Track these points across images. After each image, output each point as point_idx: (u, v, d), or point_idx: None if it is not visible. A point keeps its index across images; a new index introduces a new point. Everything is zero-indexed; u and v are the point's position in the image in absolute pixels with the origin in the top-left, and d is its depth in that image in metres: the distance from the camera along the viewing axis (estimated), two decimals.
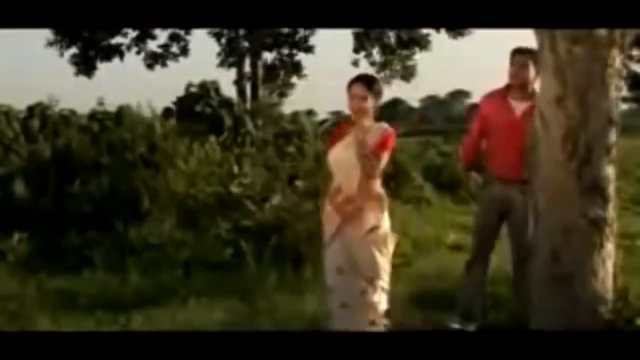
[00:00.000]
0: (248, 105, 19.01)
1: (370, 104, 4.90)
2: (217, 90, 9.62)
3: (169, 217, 8.45)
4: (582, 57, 4.61)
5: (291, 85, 27.40)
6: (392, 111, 75.68)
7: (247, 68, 24.90)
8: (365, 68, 27.56)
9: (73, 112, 12.54)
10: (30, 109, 12.19)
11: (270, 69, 26.35)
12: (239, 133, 9.31)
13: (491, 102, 5.94)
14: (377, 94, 4.96)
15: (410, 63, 27.39)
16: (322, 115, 22.67)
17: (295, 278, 7.00)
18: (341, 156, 4.98)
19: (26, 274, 6.97)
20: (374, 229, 4.94)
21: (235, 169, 9.17)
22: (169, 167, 8.78)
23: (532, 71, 5.67)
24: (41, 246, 7.79)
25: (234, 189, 8.40)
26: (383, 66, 26.91)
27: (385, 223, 5.02)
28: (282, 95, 26.68)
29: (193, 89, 11.11)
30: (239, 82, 24.06)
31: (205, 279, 7.11)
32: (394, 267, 8.16)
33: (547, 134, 4.79)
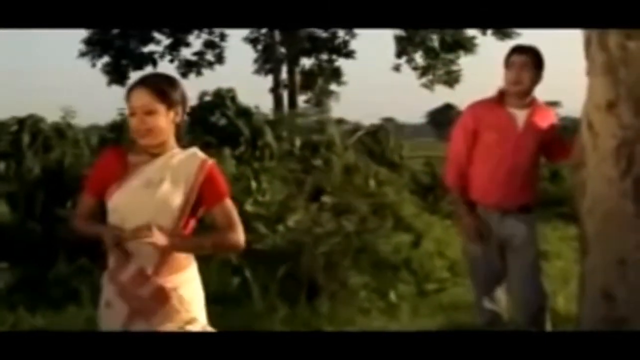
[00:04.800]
0: (286, 112, 18.55)
1: (162, 120, 3.15)
2: (233, 98, 8.96)
3: None
4: (638, 54, 3.93)
5: (330, 93, 26.91)
6: (445, 117, 75.53)
7: (284, 75, 24.54)
8: (407, 73, 26.99)
9: (69, 125, 11.92)
10: (21, 122, 11.55)
11: (308, 75, 25.84)
12: (257, 146, 8.60)
13: (485, 112, 4.86)
14: (175, 103, 3.19)
15: (454, 68, 26.50)
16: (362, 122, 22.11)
17: (309, 311, 6.37)
18: (128, 201, 3.17)
19: (3, 309, 6.40)
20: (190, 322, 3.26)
21: (254, 184, 8.47)
22: None
23: (533, 74, 4.77)
24: (23, 278, 7.14)
25: (249, 207, 7.64)
26: (426, 70, 26.14)
27: (202, 313, 3.36)
28: (319, 103, 26.17)
29: (207, 98, 10.41)
30: (275, 90, 23.63)
31: (208, 313, 6.41)
32: (426, 293, 7.60)
33: (597, 146, 4.13)
